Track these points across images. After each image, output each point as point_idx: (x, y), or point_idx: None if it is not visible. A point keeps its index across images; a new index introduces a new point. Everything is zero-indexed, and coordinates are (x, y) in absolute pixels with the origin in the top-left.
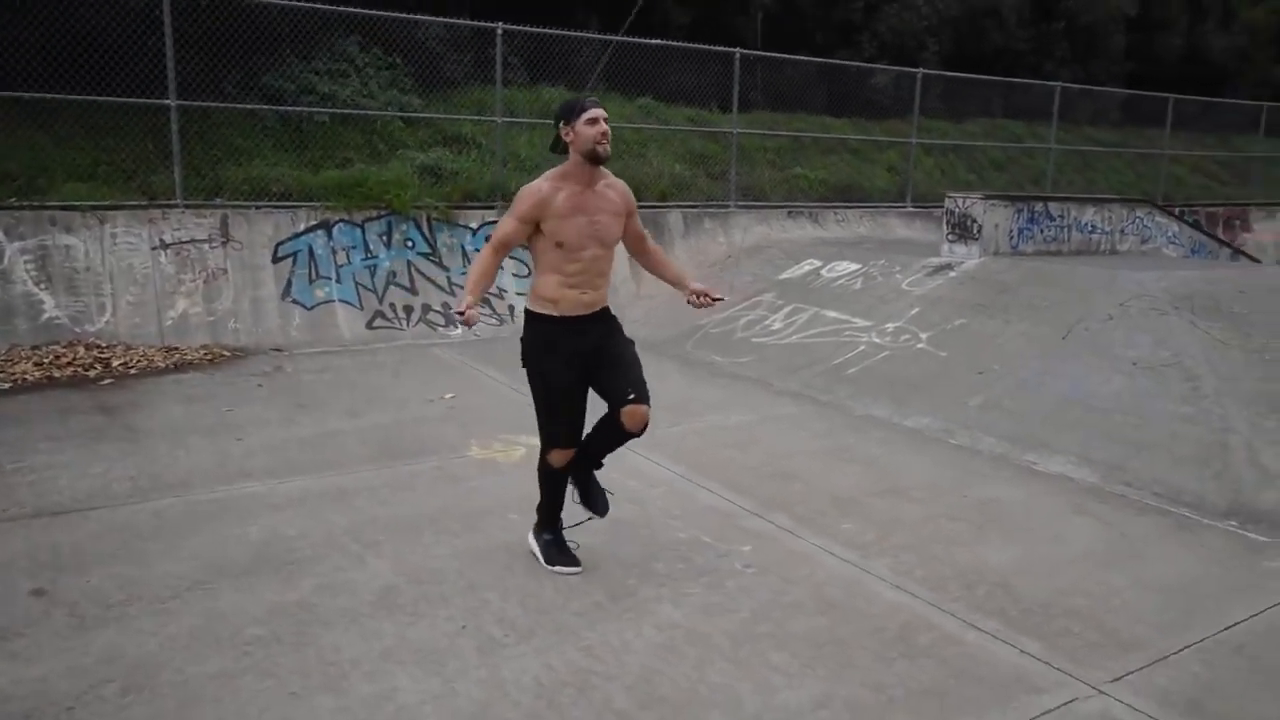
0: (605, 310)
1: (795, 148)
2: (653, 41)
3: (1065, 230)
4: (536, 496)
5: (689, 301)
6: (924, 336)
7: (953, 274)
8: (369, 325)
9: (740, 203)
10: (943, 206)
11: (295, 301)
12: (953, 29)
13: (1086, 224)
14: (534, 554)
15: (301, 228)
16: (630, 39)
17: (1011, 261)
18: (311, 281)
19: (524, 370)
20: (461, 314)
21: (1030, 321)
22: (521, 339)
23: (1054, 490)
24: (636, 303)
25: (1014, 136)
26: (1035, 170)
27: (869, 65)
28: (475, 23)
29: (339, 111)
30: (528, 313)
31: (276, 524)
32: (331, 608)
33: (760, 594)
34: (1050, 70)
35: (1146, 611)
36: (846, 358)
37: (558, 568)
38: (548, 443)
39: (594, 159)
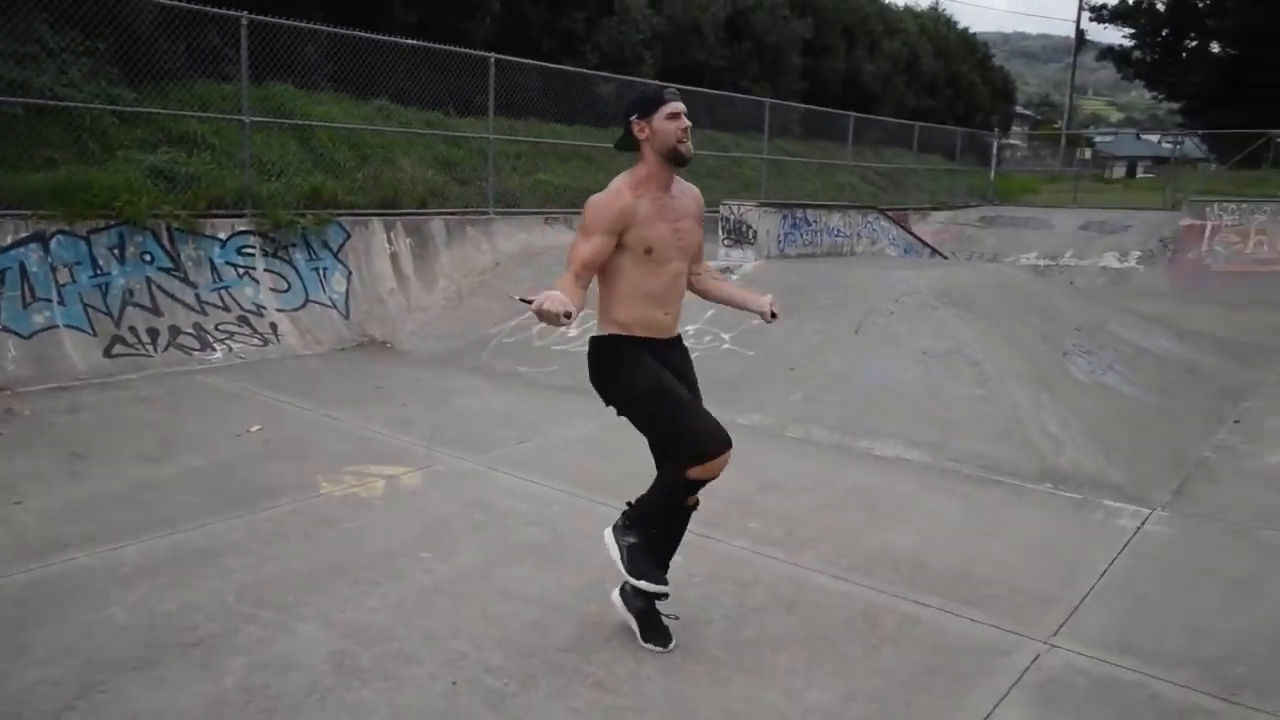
0: (680, 336)
1: (535, 154)
2: (407, 41)
3: (819, 234)
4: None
5: (771, 318)
6: (726, 337)
7: (735, 277)
8: (108, 353)
9: (498, 209)
10: (717, 213)
11: (7, 330)
12: (664, 44)
13: (834, 229)
14: (617, 563)
15: (8, 240)
16: (384, 38)
17: (786, 264)
18: (27, 305)
19: (601, 400)
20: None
21: (822, 320)
22: (595, 364)
23: (902, 472)
24: (408, 315)
25: (721, 147)
26: (746, 178)
27: (625, 77)
28: (194, 6)
29: (34, 103)
30: (598, 340)
31: (144, 600)
32: (288, 687)
33: (724, 601)
34: (746, 86)
35: (1039, 571)
36: None
37: (643, 582)
38: (696, 450)
39: (676, 160)
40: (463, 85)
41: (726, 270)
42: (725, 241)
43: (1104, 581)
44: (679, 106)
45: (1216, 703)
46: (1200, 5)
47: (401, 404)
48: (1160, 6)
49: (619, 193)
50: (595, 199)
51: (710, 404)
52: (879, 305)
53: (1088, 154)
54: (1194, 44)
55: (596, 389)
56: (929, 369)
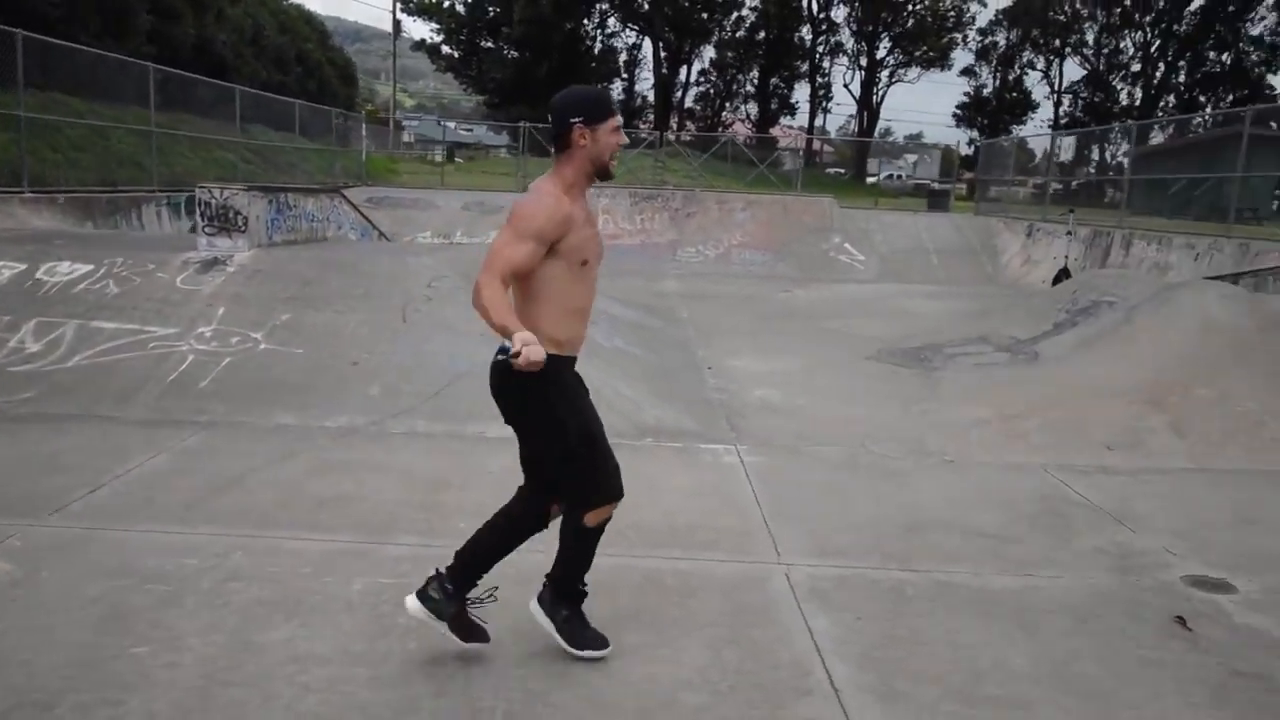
0: None
1: None
2: None
3: (299, 220)
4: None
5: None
6: (258, 336)
7: (231, 269)
8: None
9: None
10: (160, 194)
11: None
12: None
13: (310, 213)
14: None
15: None
16: None
17: (287, 252)
18: None
19: (505, 416)
20: (518, 356)
21: (364, 310)
22: (525, 387)
23: None
24: None
25: (76, 112)
26: (123, 153)
27: None
28: None
29: None
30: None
31: None
32: None
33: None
34: (87, 43)
35: (716, 509)
36: (182, 370)
37: (588, 651)
38: (600, 498)
39: (604, 175)
40: None
41: (216, 261)
42: (207, 230)
43: (765, 508)
44: (620, 119)
45: (905, 573)
46: (494, 12)
47: None
48: (460, 8)
49: (559, 199)
50: (531, 201)
51: (282, 409)
52: (415, 291)
53: (409, 137)
54: (491, 46)
55: (513, 408)
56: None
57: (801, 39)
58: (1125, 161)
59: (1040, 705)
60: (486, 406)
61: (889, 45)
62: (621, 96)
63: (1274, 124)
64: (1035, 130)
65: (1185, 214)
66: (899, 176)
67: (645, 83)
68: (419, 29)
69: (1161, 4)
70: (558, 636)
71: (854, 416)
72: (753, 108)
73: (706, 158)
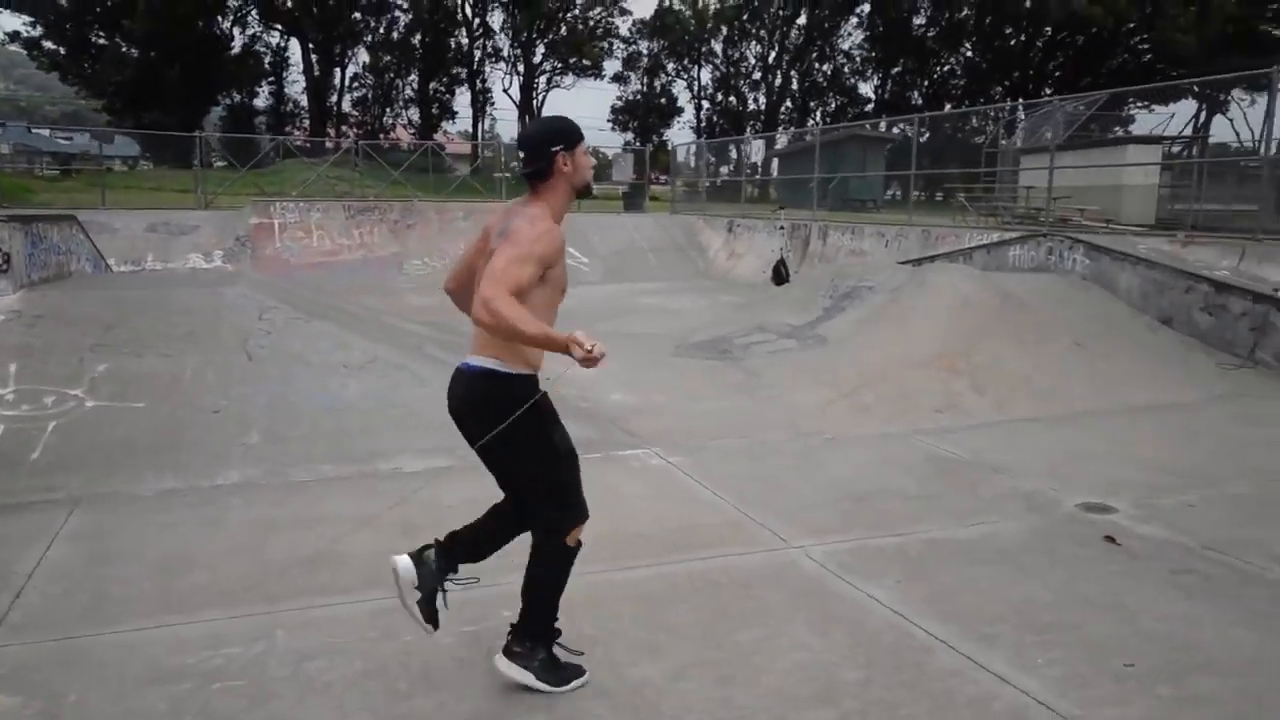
0: None
1: None
2: None
3: (49, 253)
4: None
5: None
6: (77, 392)
7: (2, 317)
8: None
9: None
10: None
11: None
12: None
13: (55, 244)
14: (530, 685)
15: None
16: None
17: (59, 291)
18: None
19: (474, 437)
20: (590, 355)
21: (195, 351)
22: (502, 407)
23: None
24: None
25: None
26: None
27: None
28: None
29: None
30: (509, 376)
31: None
32: None
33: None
34: None
35: (685, 510)
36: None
37: (573, 684)
38: (571, 519)
39: (585, 195)
40: None
41: None
42: None
43: (730, 501)
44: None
45: (893, 538)
46: (109, 3)
47: None
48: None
49: (555, 225)
50: (540, 227)
51: (153, 472)
52: (247, 325)
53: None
54: (105, 42)
55: (486, 427)
56: (365, 380)
57: (459, 44)
58: (776, 162)
59: (1084, 624)
60: (384, 441)
61: (544, 52)
62: (269, 101)
63: (884, 127)
64: (680, 133)
65: (823, 205)
66: None
67: (296, 85)
68: (7, 21)
69: (776, 19)
70: (538, 683)
71: (714, 409)
72: (415, 113)
73: (406, 167)
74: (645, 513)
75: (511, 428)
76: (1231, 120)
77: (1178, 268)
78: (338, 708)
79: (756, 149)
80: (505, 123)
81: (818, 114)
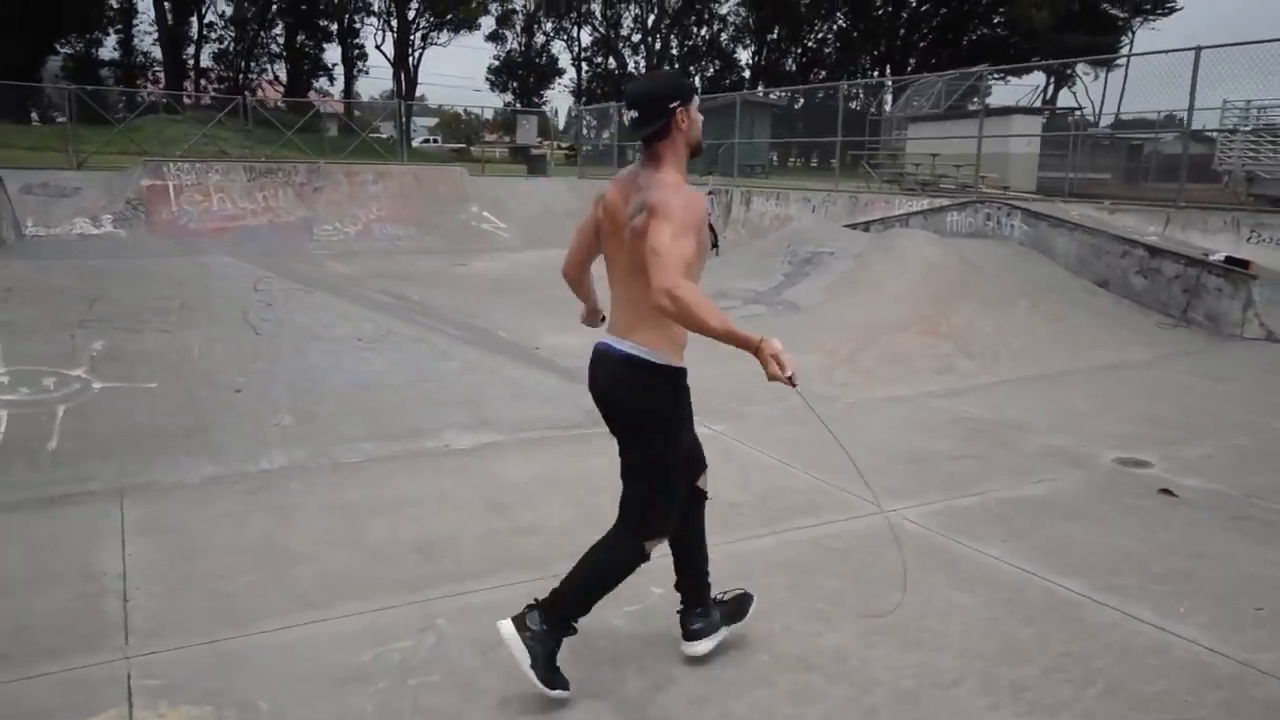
0: None
1: None
2: None
3: None
4: None
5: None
6: (79, 373)
7: None
8: None
9: None
10: None
11: None
12: None
13: None
14: (522, 668)
15: None
16: None
17: (22, 263)
18: None
19: (646, 438)
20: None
21: (196, 326)
22: (650, 400)
23: (520, 452)
24: None
25: None
26: None
27: None
28: None
29: None
30: (657, 367)
31: None
32: None
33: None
34: None
35: (826, 468)
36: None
37: (558, 691)
38: (659, 530)
39: (696, 153)
40: None
41: None
42: None
43: (798, 467)
44: None
45: (969, 499)
46: None
47: None
48: None
49: (688, 186)
50: (683, 193)
51: (188, 458)
52: (243, 298)
53: None
54: None
55: (634, 424)
56: (385, 355)
57: None
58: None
59: (1194, 572)
60: (422, 417)
61: (419, 7)
62: (117, 52)
63: (762, 92)
64: (561, 96)
65: (713, 171)
66: (435, 140)
67: (149, 37)
68: None
69: None
70: (532, 672)
71: (718, 375)
72: (282, 69)
73: (299, 127)
74: (725, 481)
75: (648, 421)
76: (1075, 94)
77: (1114, 233)
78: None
79: None
80: (380, 81)
81: (696, 78)
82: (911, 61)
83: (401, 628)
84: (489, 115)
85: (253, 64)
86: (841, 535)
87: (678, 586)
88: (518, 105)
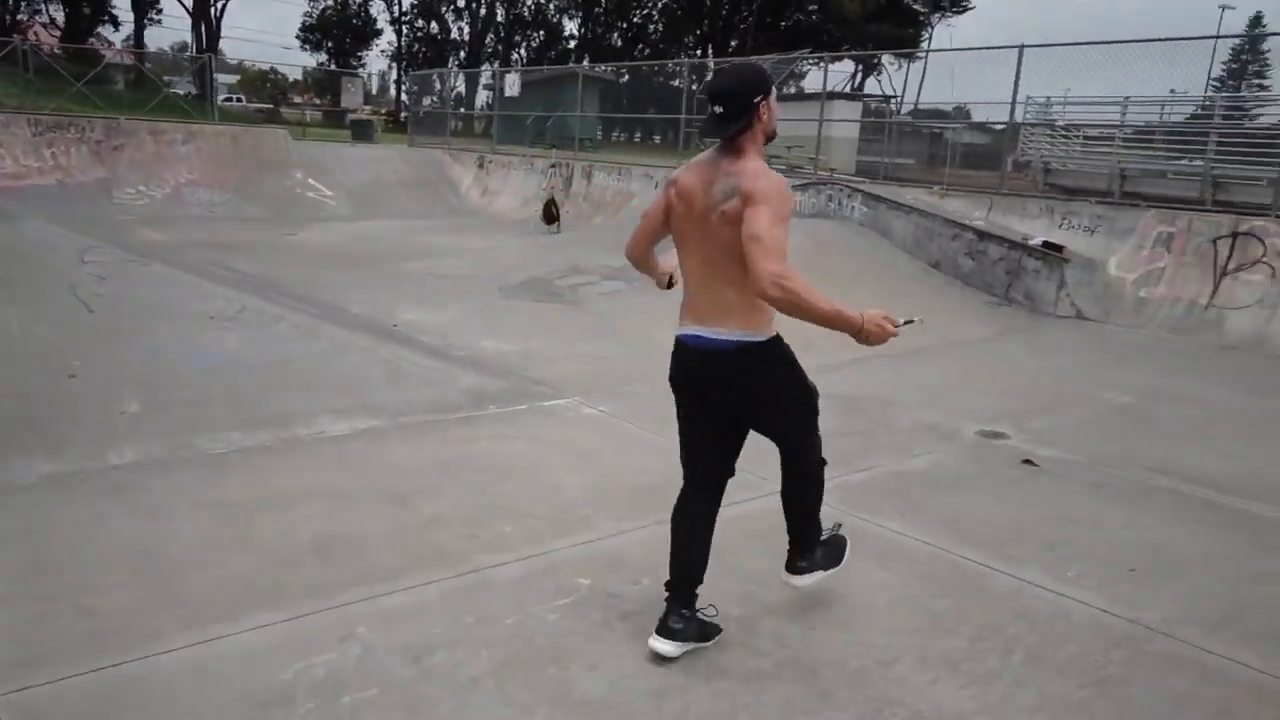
0: None
1: None
2: None
3: None
4: None
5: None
6: None
7: None
8: None
9: None
10: None
11: None
12: None
13: None
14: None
15: None
16: None
17: None
18: None
19: (788, 400)
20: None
21: (16, 303)
22: (775, 374)
23: (395, 437)
24: None
25: None
26: None
27: None
28: None
29: None
30: (765, 345)
31: None
32: None
33: None
34: None
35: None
36: None
37: (845, 558)
38: (819, 447)
39: (769, 141)
40: None
41: None
42: None
43: None
44: None
45: (862, 474)
46: None
47: None
48: None
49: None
50: (775, 181)
51: (19, 454)
52: (66, 268)
53: None
54: None
55: (771, 399)
56: (243, 334)
57: None
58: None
59: (1071, 539)
60: (291, 401)
61: None
62: None
63: (598, 67)
64: (378, 60)
65: (539, 143)
66: (239, 100)
67: None
68: None
69: None
70: (825, 575)
71: (595, 354)
72: (59, 10)
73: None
74: (630, 464)
75: (783, 387)
76: (880, 82)
77: (946, 217)
78: (512, 703)
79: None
80: (172, 31)
81: (521, 48)
82: (733, 43)
83: (320, 639)
84: (298, 76)
85: (22, 3)
86: (753, 515)
87: (668, 587)
88: (333, 66)
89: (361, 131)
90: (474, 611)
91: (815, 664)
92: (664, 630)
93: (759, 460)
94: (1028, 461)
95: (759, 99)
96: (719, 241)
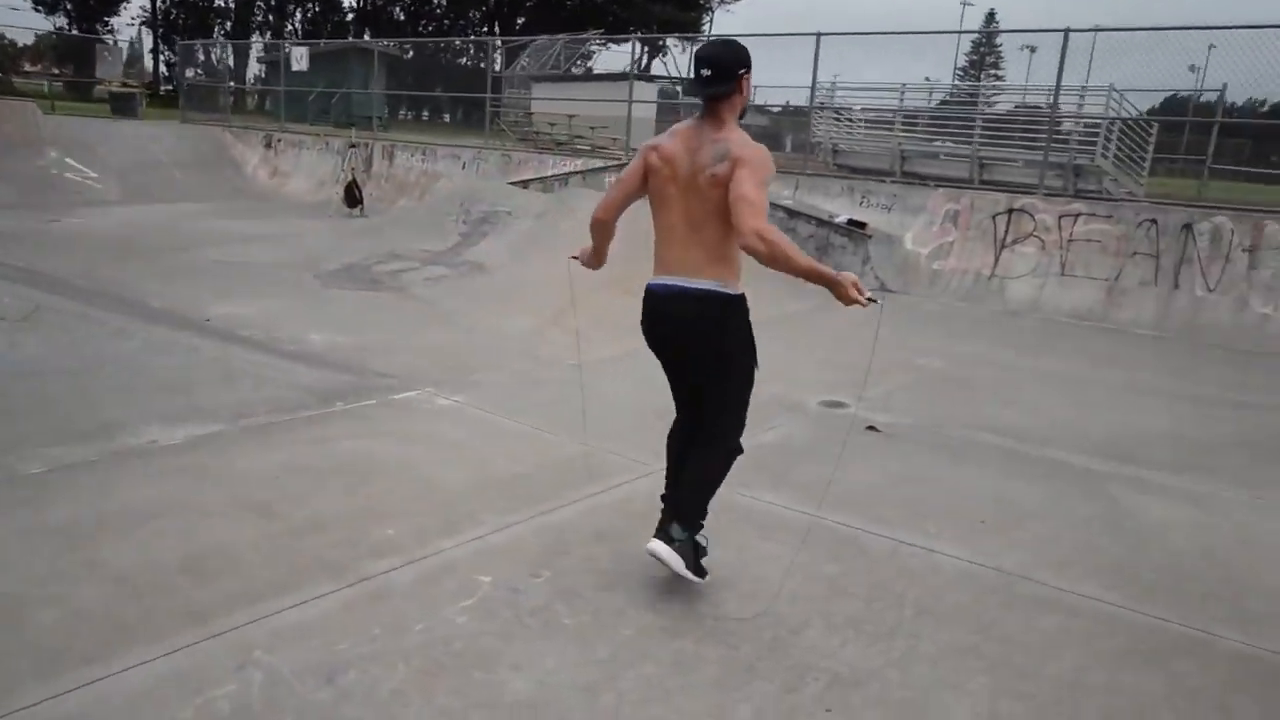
0: None
1: None
2: None
3: None
4: None
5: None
6: None
7: None
8: None
9: None
10: None
11: None
12: None
13: None
14: (690, 575)
15: None
16: None
17: None
18: None
19: (738, 362)
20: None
21: None
22: (735, 328)
23: (243, 432)
24: None
25: None
26: None
27: None
28: None
29: None
30: (733, 298)
31: None
32: None
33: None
34: None
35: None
36: None
37: (706, 576)
38: (738, 441)
39: (742, 116)
40: None
41: None
42: None
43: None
44: None
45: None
46: None
47: None
48: None
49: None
50: (764, 150)
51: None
52: None
53: None
54: None
55: (725, 352)
56: (43, 335)
57: None
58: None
59: (925, 497)
60: (112, 410)
61: None
62: None
63: (383, 42)
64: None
65: (324, 121)
66: None
67: None
68: None
69: None
70: (689, 573)
71: (435, 344)
72: None
73: None
74: (501, 453)
75: (736, 346)
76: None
77: None
78: (445, 713)
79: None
80: None
81: (296, 17)
82: (520, 20)
83: (213, 669)
84: (29, 41)
85: None
86: (634, 498)
87: (664, 499)
88: (74, 31)
89: (123, 106)
90: (378, 622)
91: (733, 639)
92: (663, 535)
93: (637, 444)
94: (871, 428)
95: (743, 71)
96: (706, 201)
